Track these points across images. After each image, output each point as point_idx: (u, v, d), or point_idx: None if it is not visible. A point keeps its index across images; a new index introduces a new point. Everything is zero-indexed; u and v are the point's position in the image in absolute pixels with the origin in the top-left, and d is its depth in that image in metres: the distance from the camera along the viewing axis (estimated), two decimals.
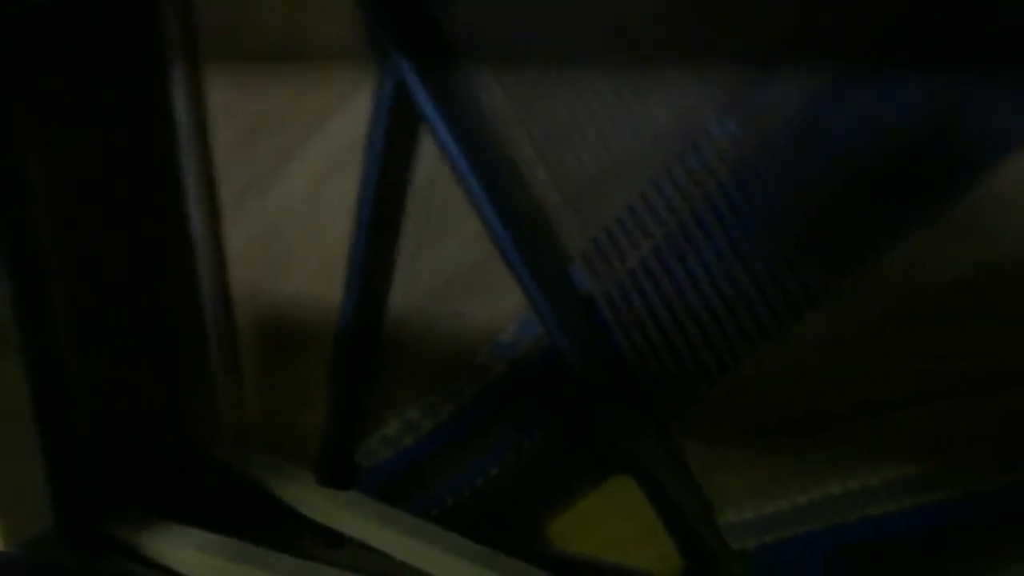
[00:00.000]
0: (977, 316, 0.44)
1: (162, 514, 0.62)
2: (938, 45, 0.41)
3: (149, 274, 0.63)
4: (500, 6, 0.48)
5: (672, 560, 0.54)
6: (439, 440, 0.59)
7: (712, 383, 0.50)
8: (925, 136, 0.42)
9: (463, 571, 0.56)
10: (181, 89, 0.59)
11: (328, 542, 0.62)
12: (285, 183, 0.59)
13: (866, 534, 0.48)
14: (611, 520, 0.57)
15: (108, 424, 0.62)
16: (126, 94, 0.59)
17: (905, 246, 0.43)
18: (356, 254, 0.57)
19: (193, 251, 0.63)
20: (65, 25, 0.55)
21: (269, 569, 0.57)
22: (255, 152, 0.60)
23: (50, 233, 0.56)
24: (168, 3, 0.58)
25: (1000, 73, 0.40)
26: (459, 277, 0.55)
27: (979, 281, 0.43)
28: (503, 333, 0.55)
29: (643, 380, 0.51)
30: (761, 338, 0.48)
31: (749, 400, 0.50)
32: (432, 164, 0.54)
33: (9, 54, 0.53)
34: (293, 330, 0.62)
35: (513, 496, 0.58)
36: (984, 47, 0.40)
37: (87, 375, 0.59)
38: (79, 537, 0.60)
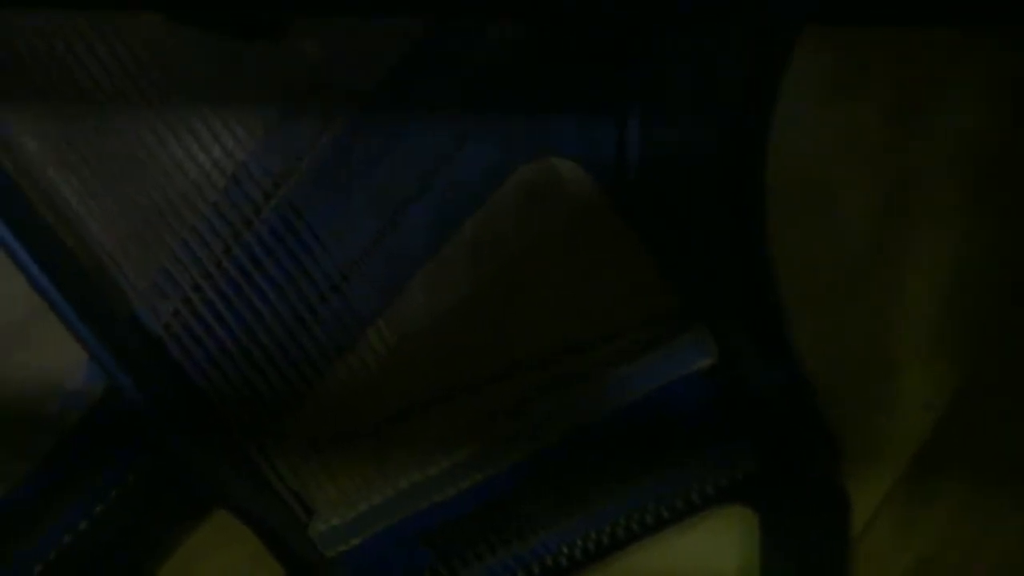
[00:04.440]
0: (502, 317, 0.51)
1: None
2: (434, 92, 0.48)
3: None
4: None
5: None
6: (13, 504, 0.55)
7: (291, 404, 0.53)
8: (437, 164, 0.48)
9: None
10: None
11: None
12: None
13: (435, 519, 0.53)
14: (222, 549, 0.57)
15: None
16: None
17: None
18: None
19: None
20: None
21: None
22: None
23: None
24: None
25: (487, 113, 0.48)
26: (16, 326, 0.53)
27: (501, 283, 0.50)
28: (71, 381, 0.53)
29: (223, 411, 0.53)
30: (327, 356, 0.52)
31: (331, 413, 0.54)
32: None
33: None
34: None
35: (110, 548, 0.57)
36: (467, 94, 0.48)
37: None
38: None
